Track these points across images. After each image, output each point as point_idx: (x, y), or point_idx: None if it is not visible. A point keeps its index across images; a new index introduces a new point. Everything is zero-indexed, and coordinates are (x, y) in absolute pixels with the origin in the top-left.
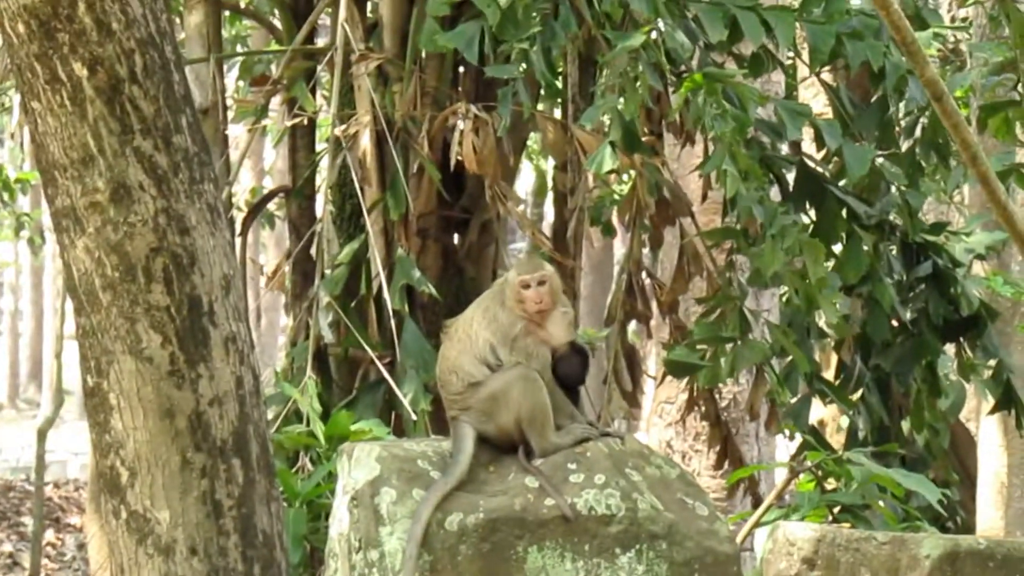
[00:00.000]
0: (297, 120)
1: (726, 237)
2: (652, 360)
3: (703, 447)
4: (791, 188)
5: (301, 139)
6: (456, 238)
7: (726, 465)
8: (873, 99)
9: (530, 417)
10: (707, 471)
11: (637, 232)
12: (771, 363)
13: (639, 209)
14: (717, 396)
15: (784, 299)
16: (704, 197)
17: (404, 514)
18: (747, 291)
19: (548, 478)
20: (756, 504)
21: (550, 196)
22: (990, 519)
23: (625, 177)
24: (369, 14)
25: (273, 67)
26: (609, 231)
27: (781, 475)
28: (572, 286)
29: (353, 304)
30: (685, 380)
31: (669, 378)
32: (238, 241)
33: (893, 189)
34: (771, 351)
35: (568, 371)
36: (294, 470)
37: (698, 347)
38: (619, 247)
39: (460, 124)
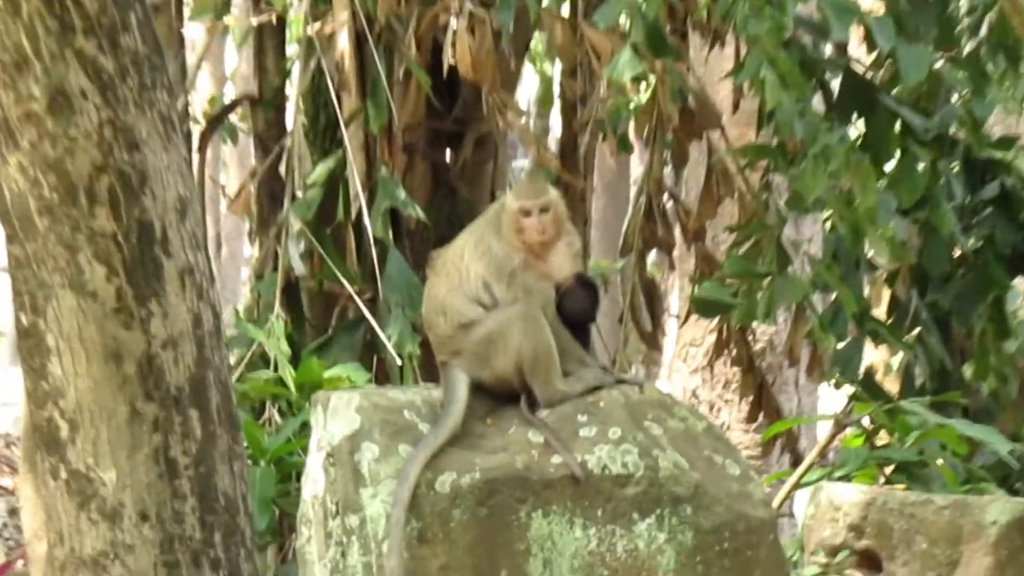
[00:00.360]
0: (264, 18)
1: (761, 156)
2: (675, 296)
3: (734, 397)
4: (836, 97)
5: (268, 40)
6: (448, 155)
7: (760, 418)
8: None
9: (532, 361)
10: (739, 424)
11: (658, 148)
12: (813, 300)
13: (660, 121)
14: (750, 338)
15: (828, 227)
16: (736, 107)
17: (388, 474)
18: (786, 217)
19: (555, 432)
20: (796, 463)
21: (557, 106)
22: None
23: (644, 85)
24: None
25: None
26: (625, 147)
27: (825, 429)
28: (582, 210)
29: (329, 231)
30: (714, 319)
31: (695, 317)
32: (195, 158)
33: (954, 98)
34: (813, 286)
35: (575, 307)
36: (260, 423)
37: (729, 282)
38: (636, 165)
39: (453, 23)
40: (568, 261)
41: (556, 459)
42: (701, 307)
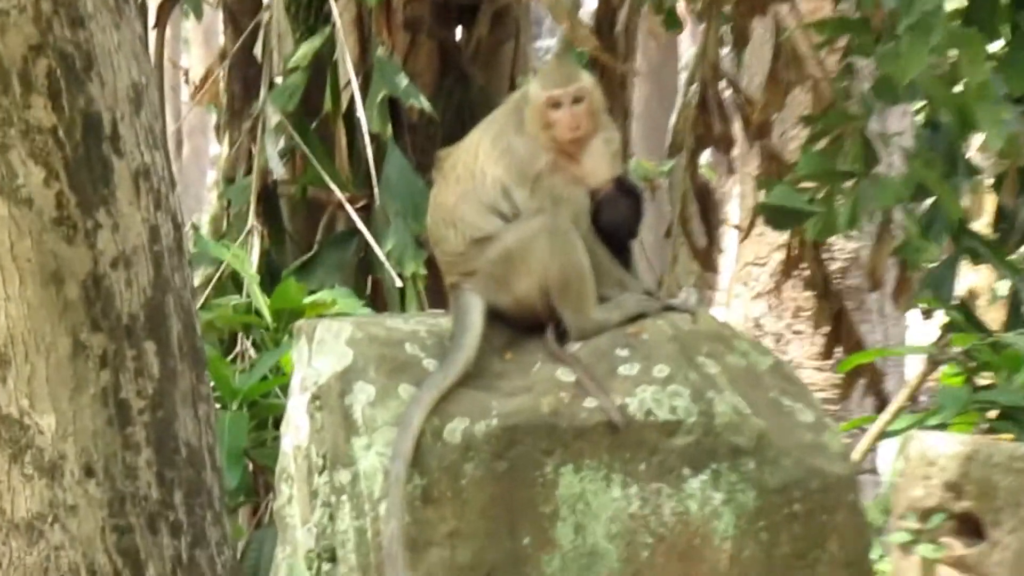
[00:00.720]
0: None
1: (840, 31)
2: (734, 205)
3: (806, 327)
4: None
5: None
6: (459, 32)
7: (838, 352)
8: None
9: (561, 284)
10: (811, 361)
11: (714, 24)
12: (903, 208)
13: None
14: (826, 256)
15: (922, 119)
16: None
17: (386, 420)
18: (872, 107)
19: (588, 369)
20: (880, 407)
21: None
22: None
23: None
24: None
25: None
26: (674, 23)
27: (916, 367)
28: (621, 100)
29: (314, 125)
30: (782, 234)
31: (758, 230)
32: (152, 36)
33: None
34: (905, 191)
35: (614, 219)
36: (230, 359)
37: (803, 185)
38: (687, 46)
39: None
40: (605, 162)
41: (590, 402)
42: (770, 216)
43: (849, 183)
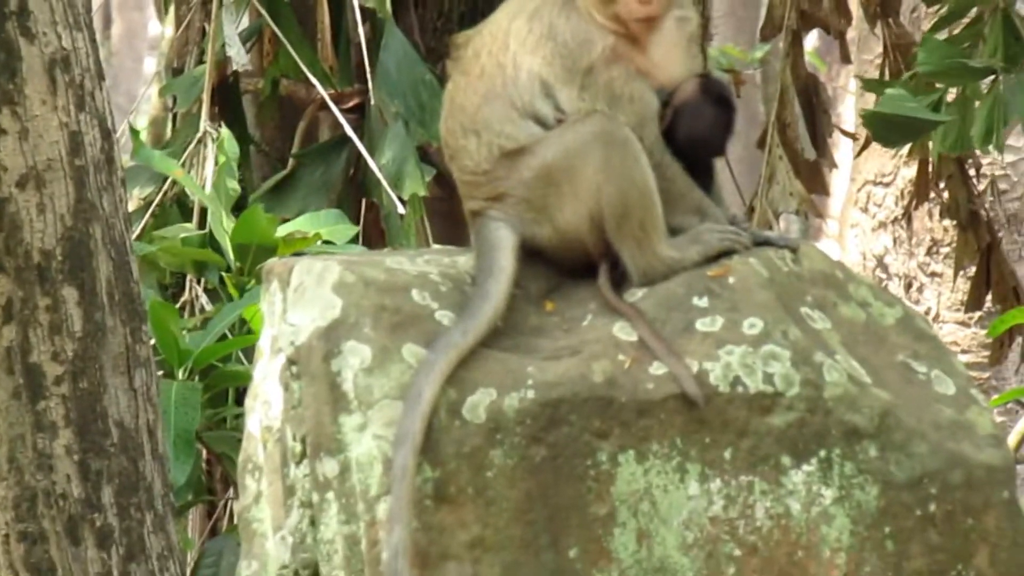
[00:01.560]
0: None
1: None
2: (850, 106)
3: (945, 267)
4: None
5: None
6: None
7: (988, 302)
8: None
9: (620, 211)
10: (953, 313)
11: None
12: None
13: None
14: (972, 173)
15: None
16: None
17: (387, 392)
18: None
19: (655, 325)
20: None
21: None
22: None
23: None
24: None
25: None
26: None
27: None
28: None
29: None
30: (906, 148)
31: None
32: None
33: None
34: None
35: (696, 132)
36: (177, 308)
37: (930, 84)
38: None
39: None
40: (680, 51)
41: (658, 368)
42: (878, 128)
43: (988, 81)
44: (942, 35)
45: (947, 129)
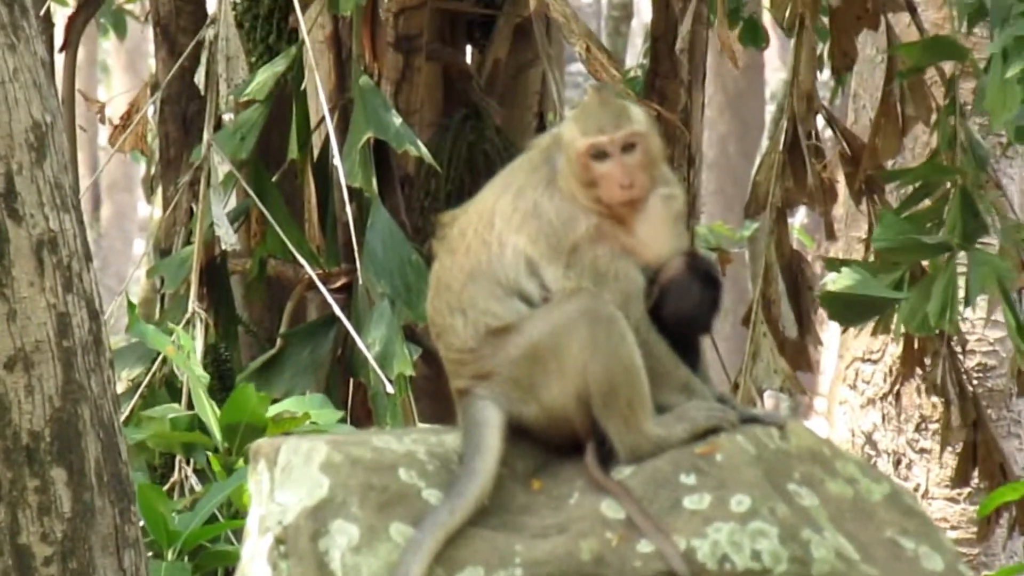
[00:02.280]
0: None
1: (936, 56)
2: None
3: (934, 444)
4: None
5: None
6: (469, 55)
7: (975, 479)
8: None
9: (606, 389)
10: (941, 489)
11: (806, 41)
12: None
13: None
14: (959, 350)
15: None
16: None
17: (376, 571)
18: (984, 154)
19: (641, 504)
20: None
21: None
22: None
23: None
24: None
25: None
26: (756, 38)
27: None
28: (686, 145)
29: (275, 178)
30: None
31: None
32: (60, 61)
33: None
34: (1012, 270)
35: (683, 310)
36: (166, 489)
37: (893, 263)
38: (774, 71)
39: None
40: (665, 228)
41: (646, 546)
42: (835, 306)
43: (943, 258)
44: (909, 212)
45: (913, 308)
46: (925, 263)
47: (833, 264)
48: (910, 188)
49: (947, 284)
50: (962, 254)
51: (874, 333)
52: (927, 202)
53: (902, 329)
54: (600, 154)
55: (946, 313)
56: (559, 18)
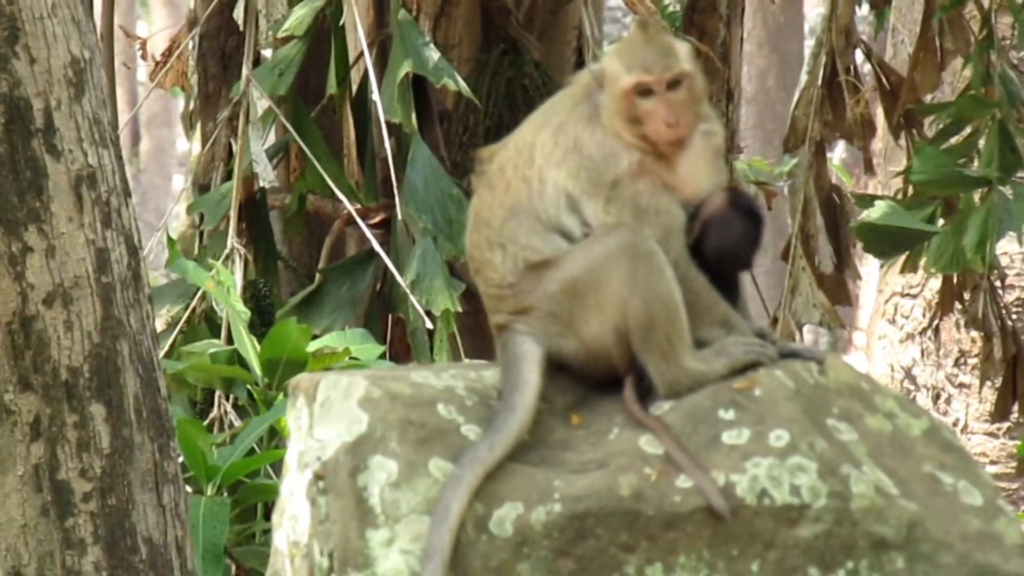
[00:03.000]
0: None
1: None
2: None
3: (972, 379)
4: None
5: None
6: None
7: (1015, 414)
8: None
9: (646, 323)
10: (981, 424)
11: None
12: None
13: None
14: (999, 284)
15: None
16: None
17: (414, 507)
18: (1018, 89)
19: (680, 439)
20: None
21: None
22: None
23: None
24: None
25: None
26: None
27: None
28: (725, 79)
29: (314, 114)
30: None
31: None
32: None
33: None
34: None
35: (725, 246)
36: (206, 424)
37: (925, 197)
38: (813, 6)
39: None
40: (706, 165)
41: (684, 482)
42: (869, 238)
43: (980, 193)
44: (945, 146)
45: (941, 246)
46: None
47: (864, 201)
48: (944, 123)
49: (985, 217)
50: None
51: (902, 271)
52: (961, 136)
53: (931, 268)
54: (645, 91)
55: (984, 246)
56: None
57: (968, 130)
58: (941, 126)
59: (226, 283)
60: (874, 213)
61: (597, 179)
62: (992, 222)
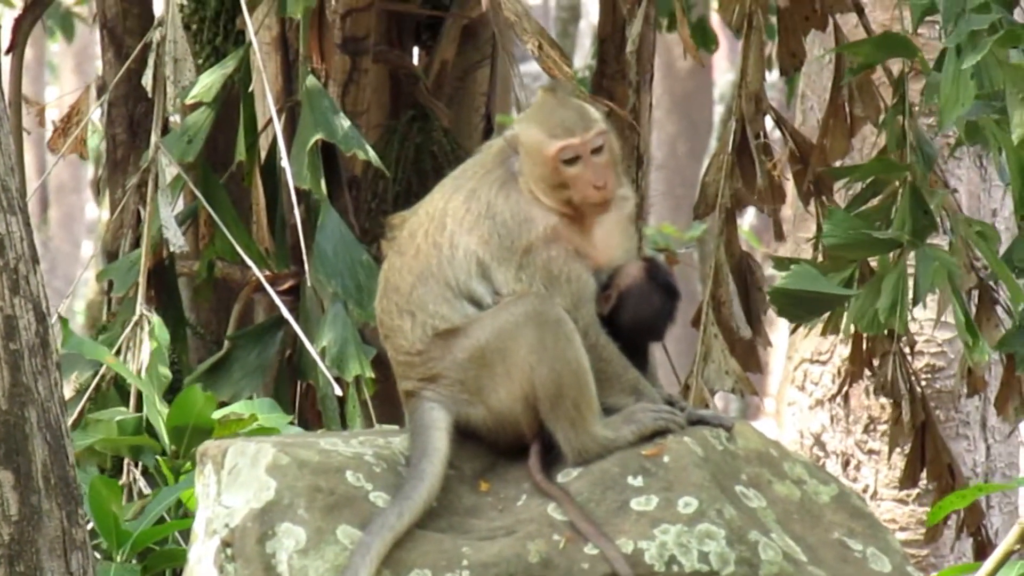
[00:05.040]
0: None
1: (885, 53)
2: None
3: (881, 445)
4: None
5: None
6: (417, 56)
7: (924, 480)
8: None
9: (554, 392)
10: (889, 491)
11: (755, 40)
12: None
13: None
14: (907, 351)
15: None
16: None
17: (323, 574)
18: (933, 152)
19: (581, 508)
20: (981, 553)
21: None
22: None
23: None
24: None
25: None
26: (705, 40)
27: None
28: (633, 146)
29: (222, 180)
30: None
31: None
32: (5, 63)
33: None
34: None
35: (641, 315)
36: (116, 491)
37: (841, 261)
38: (722, 71)
39: None
40: (619, 232)
41: (593, 548)
42: (784, 303)
43: (894, 254)
44: (857, 211)
45: (862, 306)
46: (873, 263)
47: (782, 263)
48: (858, 188)
49: (897, 281)
50: (911, 255)
51: (823, 333)
52: (875, 201)
53: (851, 328)
54: (572, 158)
55: (896, 310)
56: (511, 16)
57: (882, 195)
58: (854, 192)
59: (158, 341)
60: (789, 278)
61: (510, 245)
62: (904, 286)
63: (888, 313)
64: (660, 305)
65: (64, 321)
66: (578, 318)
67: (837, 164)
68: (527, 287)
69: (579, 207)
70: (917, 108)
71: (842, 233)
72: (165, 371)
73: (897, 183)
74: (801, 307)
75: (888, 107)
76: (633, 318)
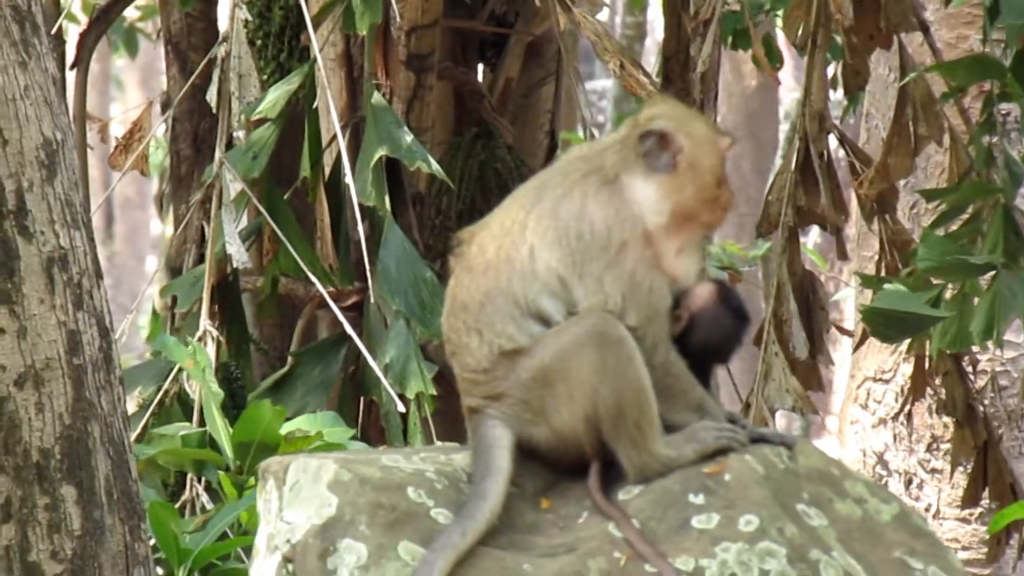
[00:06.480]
0: None
1: (981, 75)
2: (850, 303)
3: (945, 464)
4: None
5: None
6: (482, 73)
7: (986, 499)
8: None
9: (616, 411)
10: (952, 509)
11: (819, 60)
12: None
13: (824, 18)
14: (970, 371)
15: None
16: None
17: None
18: (1021, 173)
19: (638, 528)
20: None
21: None
22: None
23: None
24: None
25: None
26: (770, 58)
27: None
28: None
29: (287, 196)
30: (904, 344)
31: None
32: (71, 78)
33: None
34: None
35: (712, 338)
36: (177, 507)
37: (928, 280)
38: (788, 90)
39: None
40: (695, 249)
41: (651, 568)
42: (877, 323)
43: (986, 278)
44: (941, 231)
45: (946, 326)
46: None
47: (869, 281)
48: (928, 208)
49: (992, 302)
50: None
51: (908, 351)
52: (961, 220)
53: (938, 348)
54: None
55: (992, 331)
56: (591, 36)
57: (967, 215)
58: (918, 212)
59: (202, 363)
60: (882, 297)
61: (604, 244)
62: (999, 307)
63: (983, 334)
64: (731, 329)
65: (156, 315)
66: (649, 332)
67: (901, 184)
68: (604, 300)
69: (723, 209)
70: (1004, 126)
71: (937, 257)
72: (215, 388)
73: (984, 206)
74: (894, 327)
75: (977, 124)
76: (704, 340)
